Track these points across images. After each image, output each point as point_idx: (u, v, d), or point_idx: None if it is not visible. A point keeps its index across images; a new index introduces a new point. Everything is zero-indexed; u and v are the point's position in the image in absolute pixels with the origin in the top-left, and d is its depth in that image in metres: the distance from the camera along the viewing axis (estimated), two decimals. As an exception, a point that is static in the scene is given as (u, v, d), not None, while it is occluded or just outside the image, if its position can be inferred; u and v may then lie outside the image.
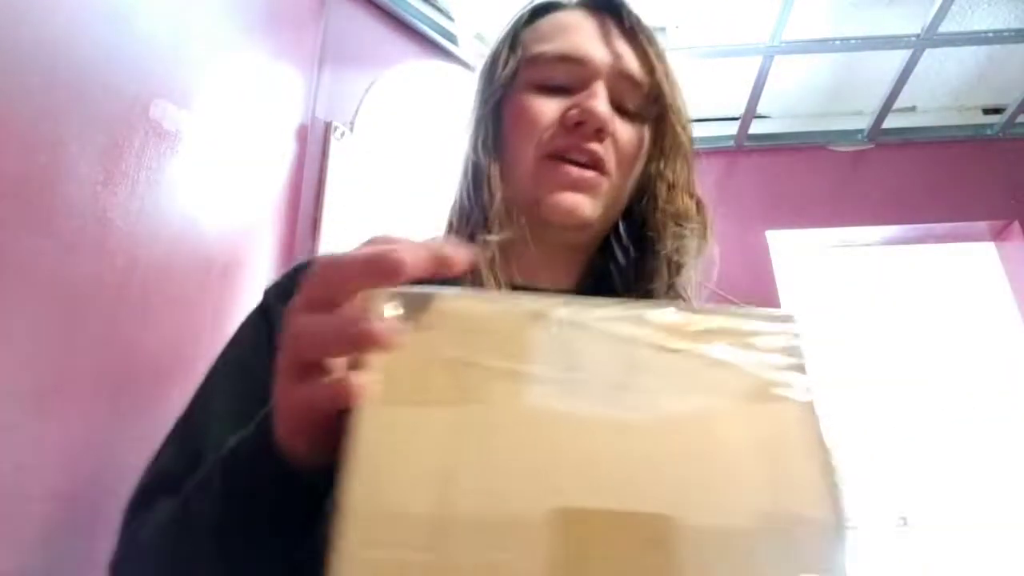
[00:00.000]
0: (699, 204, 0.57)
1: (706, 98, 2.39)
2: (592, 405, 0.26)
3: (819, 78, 2.27)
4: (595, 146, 0.51)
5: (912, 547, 2.58)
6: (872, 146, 2.41)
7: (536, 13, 0.58)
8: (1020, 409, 2.45)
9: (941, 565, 2.53)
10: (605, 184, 0.53)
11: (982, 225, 2.32)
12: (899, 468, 2.71)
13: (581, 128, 0.51)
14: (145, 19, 0.95)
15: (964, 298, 2.71)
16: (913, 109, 2.41)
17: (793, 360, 0.28)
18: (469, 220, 0.53)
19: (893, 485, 2.69)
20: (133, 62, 0.92)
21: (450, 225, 0.57)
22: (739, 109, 2.32)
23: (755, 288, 2.22)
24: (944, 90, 2.33)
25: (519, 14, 0.58)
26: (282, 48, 1.38)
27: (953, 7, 1.84)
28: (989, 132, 2.38)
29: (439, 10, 1.89)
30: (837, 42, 2.02)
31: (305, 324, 0.29)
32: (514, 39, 0.56)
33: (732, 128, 2.41)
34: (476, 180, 0.53)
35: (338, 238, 1.41)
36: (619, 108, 0.53)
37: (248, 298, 1.17)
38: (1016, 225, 2.27)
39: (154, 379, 0.91)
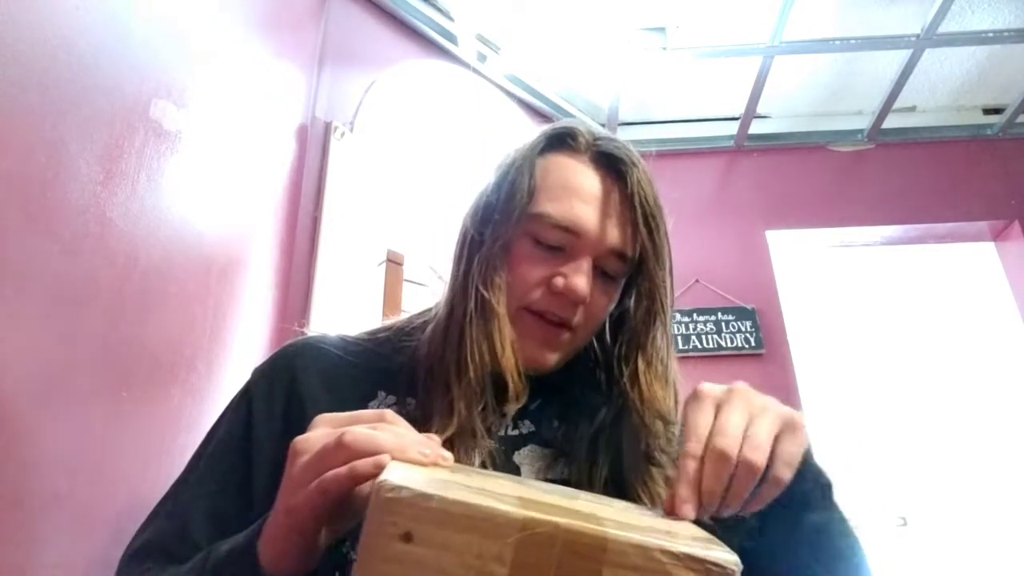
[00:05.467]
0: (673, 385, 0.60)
1: (706, 98, 2.39)
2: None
3: (819, 78, 2.27)
4: (568, 312, 0.58)
5: (912, 547, 2.58)
6: (872, 146, 2.41)
7: (551, 144, 0.61)
8: (1020, 409, 2.45)
9: (941, 565, 2.53)
10: (571, 339, 0.59)
11: (982, 225, 2.32)
12: (899, 468, 2.71)
13: (561, 296, 0.56)
14: (145, 19, 0.95)
15: (964, 298, 2.71)
16: (913, 109, 2.41)
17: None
18: (469, 340, 0.56)
19: (893, 485, 2.69)
20: (133, 62, 0.92)
21: (449, 315, 0.59)
22: (739, 109, 2.32)
23: (755, 288, 2.22)
24: (944, 90, 2.33)
25: (536, 140, 0.61)
26: (282, 48, 1.38)
27: (953, 7, 1.84)
28: (989, 132, 2.38)
29: (439, 10, 1.89)
30: (837, 42, 2.02)
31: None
32: (531, 168, 0.59)
33: (732, 128, 2.41)
34: (484, 313, 0.57)
35: (338, 238, 1.41)
36: (601, 272, 0.58)
37: (248, 298, 1.17)
38: (1016, 225, 2.27)
39: (154, 378, 0.91)
